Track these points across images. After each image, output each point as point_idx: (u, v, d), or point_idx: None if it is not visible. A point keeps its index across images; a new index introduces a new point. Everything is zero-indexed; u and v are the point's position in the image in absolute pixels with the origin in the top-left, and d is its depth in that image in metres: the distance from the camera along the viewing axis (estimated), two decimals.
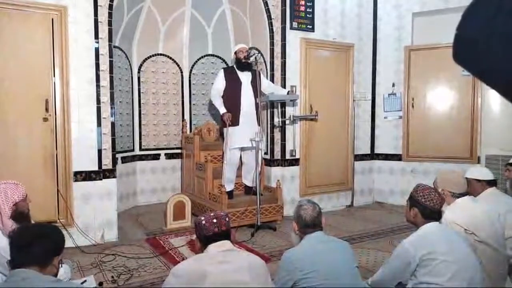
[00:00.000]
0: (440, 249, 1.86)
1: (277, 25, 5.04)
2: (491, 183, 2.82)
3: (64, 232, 3.26)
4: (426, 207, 2.01)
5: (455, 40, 0.63)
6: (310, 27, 5.13)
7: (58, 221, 3.72)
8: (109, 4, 4.04)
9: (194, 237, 1.95)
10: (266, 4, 5.06)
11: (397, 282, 2.05)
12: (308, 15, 5.10)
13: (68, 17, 3.76)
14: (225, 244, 1.78)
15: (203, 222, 1.79)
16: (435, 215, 2.03)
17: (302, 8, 5.05)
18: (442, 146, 5.44)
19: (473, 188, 2.73)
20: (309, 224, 2.01)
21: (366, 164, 5.83)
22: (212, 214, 1.85)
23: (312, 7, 5.13)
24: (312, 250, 1.93)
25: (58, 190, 3.79)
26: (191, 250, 3.70)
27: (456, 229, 2.20)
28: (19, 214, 2.35)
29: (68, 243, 3.62)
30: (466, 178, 2.64)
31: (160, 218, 4.77)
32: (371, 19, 5.73)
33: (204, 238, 1.79)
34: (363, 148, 5.80)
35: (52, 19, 3.72)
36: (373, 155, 5.90)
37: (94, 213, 3.96)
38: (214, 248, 1.75)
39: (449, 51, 0.67)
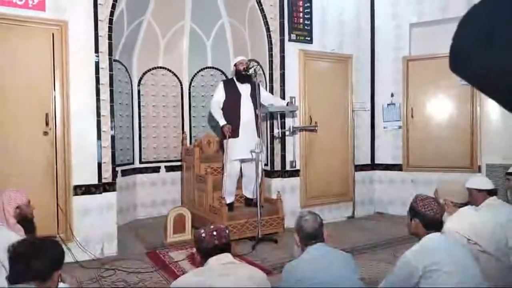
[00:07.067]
0: (443, 260, 1.84)
1: (275, 37, 5.07)
2: (492, 192, 2.80)
3: (64, 247, 3.22)
4: (426, 216, 2.00)
5: (451, 51, 0.63)
6: (309, 38, 5.17)
7: (57, 235, 3.69)
8: (109, 19, 4.08)
9: (194, 250, 1.93)
10: (264, 16, 5.11)
11: None
12: (306, 27, 5.15)
13: (68, 31, 3.79)
14: (226, 257, 1.76)
15: (203, 235, 1.78)
16: (436, 225, 2.02)
17: (301, 20, 5.10)
18: (443, 156, 5.43)
19: (473, 198, 2.71)
20: (311, 235, 1.99)
21: (367, 175, 5.81)
22: (212, 226, 1.83)
23: (310, 19, 5.18)
24: (314, 262, 1.91)
25: (58, 205, 3.78)
26: (192, 263, 3.67)
27: (458, 238, 2.18)
28: (24, 218, 2.47)
29: (68, 258, 3.58)
30: (467, 188, 2.63)
31: (160, 232, 4.73)
32: (368, 30, 5.79)
33: (204, 251, 1.77)
34: (363, 158, 5.79)
35: (53, 34, 3.75)
36: (373, 166, 5.89)
37: (93, 227, 3.93)
38: (215, 261, 1.74)
39: (447, 60, 0.67)
